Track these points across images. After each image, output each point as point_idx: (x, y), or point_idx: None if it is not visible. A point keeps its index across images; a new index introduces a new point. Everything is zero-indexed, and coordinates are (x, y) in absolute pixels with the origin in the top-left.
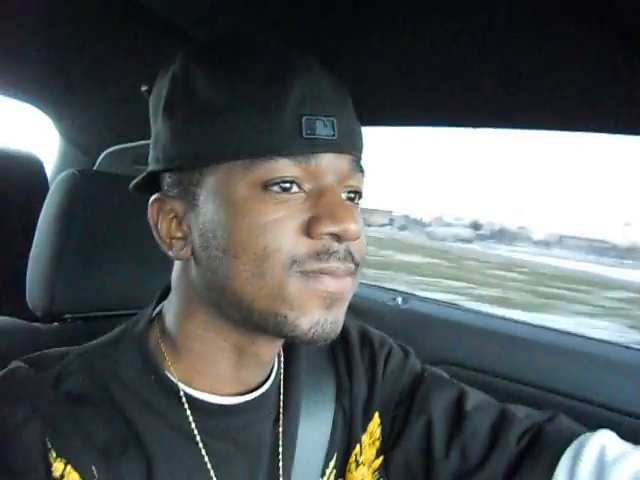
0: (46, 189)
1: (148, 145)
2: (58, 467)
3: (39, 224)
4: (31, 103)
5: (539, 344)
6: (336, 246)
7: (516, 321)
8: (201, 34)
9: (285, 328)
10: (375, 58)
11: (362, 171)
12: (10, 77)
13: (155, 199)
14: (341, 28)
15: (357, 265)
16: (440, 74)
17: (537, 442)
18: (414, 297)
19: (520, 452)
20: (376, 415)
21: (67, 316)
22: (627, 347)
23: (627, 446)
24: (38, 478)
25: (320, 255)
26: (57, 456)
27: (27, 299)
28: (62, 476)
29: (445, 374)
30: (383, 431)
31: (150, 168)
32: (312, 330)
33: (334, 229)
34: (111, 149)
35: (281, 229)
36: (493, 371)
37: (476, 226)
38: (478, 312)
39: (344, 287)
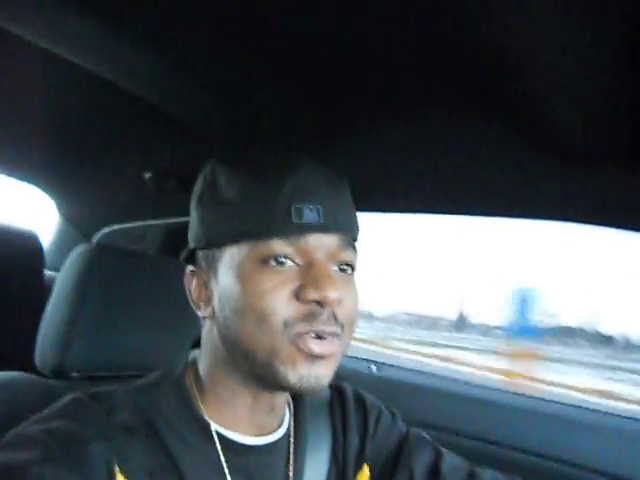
0: (42, 262)
1: (142, 226)
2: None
3: (55, 290)
4: (32, 183)
5: (503, 406)
6: (320, 310)
7: (480, 385)
8: (199, 126)
9: (278, 379)
10: (369, 152)
11: (354, 247)
12: (13, 159)
13: (189, 269)
14: (339, 122)
15: (343, 327)
16: (426, 166)
17: None
18: (387, 365)
19: None
20: (365, 467)
21: (74, 374)
22: (590, 409)
23: None
24: None
25: (307, 317)
26: (119, 471)
27: (36, 357)
28: None
29: (426, 435)
30: None
31: (189, 246)
32: (299, 383)
33: (316, 296)
34: (107, 229)
35: (275, 294)
36: (460, 431)
37: None
38: (446, 377)
39: (327, 349)
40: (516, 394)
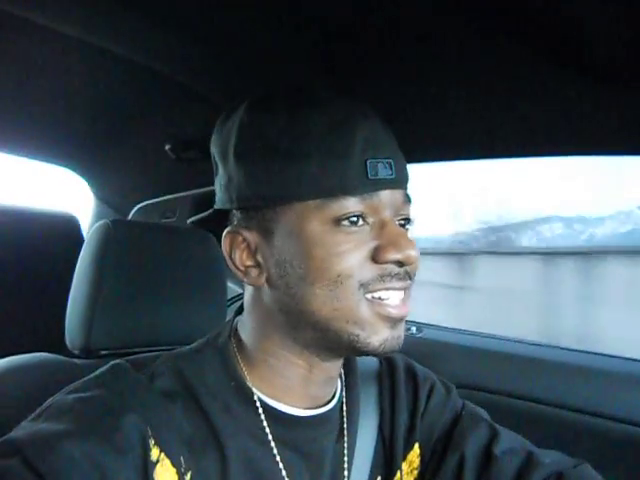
0: (82, 245)
1: (172, 199)
2: (155, 453)
3: (77, 270)
4: (64, 166)
5: (547, 363)
6: (397, 269)
7: (522, 342)
8: (219, 98)
9: (358, 345)
10: (414, 102)
11: (410, 200)
12: (48, 145)
13: (228, 232)
14: (380, 74)
15: (412, 280)
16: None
17: None
18: (427, 326)
19: None
20: (416, 446)
21: (102, 352)
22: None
23: None
24: (138, 459)
25: (382, 277)
26: (154, 444)
27: (66, 338)
28: (157, 461)
29: (483, 412)
30: (422, 461)
31: (219, 206)
32: (382, 346)
33: (398, 256)
34: (140, 205)
35: (351, 257)
36: (505, 391)
37: None
38: (487, 335)
39: (403, 310)
40: (564, 349)
